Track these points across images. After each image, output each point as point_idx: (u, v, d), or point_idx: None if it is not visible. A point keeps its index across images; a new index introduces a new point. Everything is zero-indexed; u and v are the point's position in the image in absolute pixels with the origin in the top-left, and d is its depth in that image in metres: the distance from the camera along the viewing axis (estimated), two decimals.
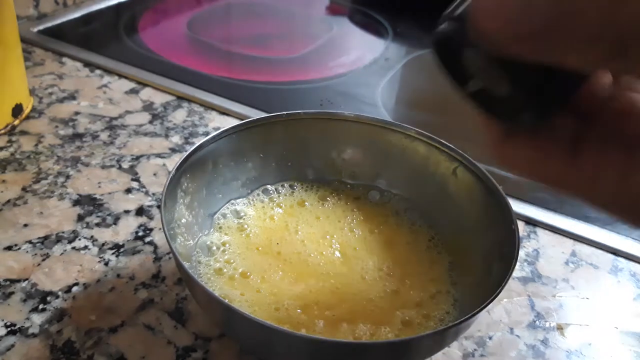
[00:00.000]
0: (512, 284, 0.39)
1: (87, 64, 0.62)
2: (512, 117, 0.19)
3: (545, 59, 0.15)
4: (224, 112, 0.56)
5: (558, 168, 0.19)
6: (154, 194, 0.44)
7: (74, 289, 0.35)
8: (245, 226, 0.37)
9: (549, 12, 0.14)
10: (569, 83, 0.18)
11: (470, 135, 0.20)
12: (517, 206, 0.45)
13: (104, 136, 0.50)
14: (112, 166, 0.46)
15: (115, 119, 0.53)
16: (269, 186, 0.40)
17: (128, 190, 0.44)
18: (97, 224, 0.40)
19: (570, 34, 0.14)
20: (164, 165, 0.47)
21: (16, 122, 0.50)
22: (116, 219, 0.41)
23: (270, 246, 0.36)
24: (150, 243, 0.39)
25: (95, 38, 0.70)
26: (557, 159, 0.19)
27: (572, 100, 0.19)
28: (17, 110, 0.50)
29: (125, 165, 0.46)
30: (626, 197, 0.17)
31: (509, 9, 0.15)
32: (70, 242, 0.38)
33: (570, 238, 0.44)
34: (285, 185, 0.41)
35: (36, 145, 0.48)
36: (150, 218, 0.41)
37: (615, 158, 0.17)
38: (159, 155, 0.48)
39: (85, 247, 0.38)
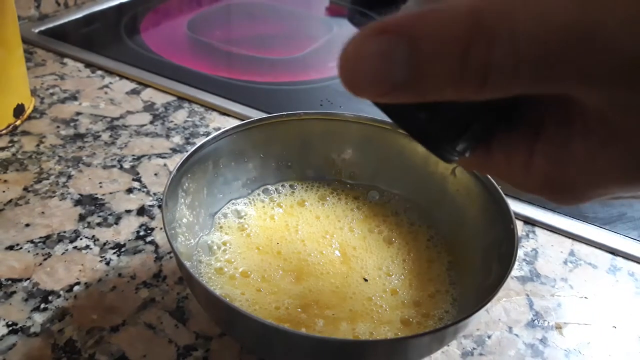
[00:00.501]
0: (510, 283, 0.39)
1: (89, 65, 0.62)
2: (441, 153, 0.19)
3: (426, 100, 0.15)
4: (225, 113, 0.56)
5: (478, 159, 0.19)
6: (155, 194, 0.44)
7: (76, 288, 0.35)
8: (246, 226, 0.37)
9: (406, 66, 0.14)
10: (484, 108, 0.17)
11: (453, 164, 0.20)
12: (515, 206, 0.46)
13: (105, 136, 0.50)
14: (113, 166, 0.46)
15: (117, 119, 0.53)
16: (269, 186, 0.40)
17: (129, 190, 0.44)
18: (99, 224, 0.40)
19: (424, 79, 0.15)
20: (165, 165, 0.47)
21: (18, 122, 0.50)
22: (117, 219, 0.41)
23: (271, 246, 0.36)
24: (152, 243, 0.39)
25: (96, 39, 0.70)
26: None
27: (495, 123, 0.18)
28: (18, 110, 0.50)
29: (126, 166, 0.47)
30: (530, 183, 0.17)
31: (364, 78, 0.15)
32: (71, 241, 0.39)
33: (569, 238, 0.44)
34: (286, 185, 0.41)
35: (38, 145, 0.48)
36: (152, 218, 0.41)
37: (519, 147, 0.18)
38: (160, 156, 0.48)
39: (87, 247, 0.38)
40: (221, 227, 0.37)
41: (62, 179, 0.44)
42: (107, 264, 0.37)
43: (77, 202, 0.42)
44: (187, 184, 0.35)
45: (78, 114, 0.53)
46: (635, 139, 0.14)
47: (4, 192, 0.42)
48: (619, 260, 0.42)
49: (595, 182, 0.16)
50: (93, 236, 0.39)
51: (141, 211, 0.42)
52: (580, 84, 0.14)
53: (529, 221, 0.45)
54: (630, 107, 0.14)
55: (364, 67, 0.15)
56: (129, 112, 0.54)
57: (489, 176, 0.20)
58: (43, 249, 0.38)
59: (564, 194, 0.17)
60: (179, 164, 0.33)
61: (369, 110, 0.59)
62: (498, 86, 0.14)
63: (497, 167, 0.19)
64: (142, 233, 0.40)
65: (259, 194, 0.40)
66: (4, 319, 0.33)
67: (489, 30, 0.13)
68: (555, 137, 0.16)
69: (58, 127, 0.51)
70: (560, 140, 0.16)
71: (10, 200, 0.42)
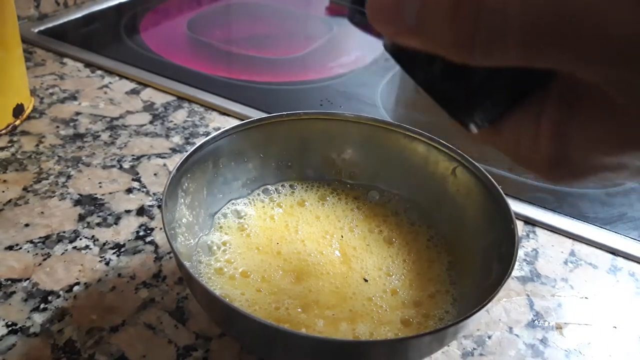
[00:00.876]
0: (511, 284, 0.39)
1: (88, 65, 0.62)
2: (461, 116, 0.20)
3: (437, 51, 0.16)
4: (225, 113, 0.56)
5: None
6: (154, 194, 0.44)
7: (75, 288, 0.35)
8: (246, 226, 0.37)
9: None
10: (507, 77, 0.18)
11: (469, 135, 0.20)
12: (516, 206, 0.46)
13: (104, 136, 0.50)
14: (113, 166, 0.46)
15: (116, 119, 0.53)
16: (269, 186, 0.40)
17: (129, 190, 0.44)
18: (98, 224, 0.40)
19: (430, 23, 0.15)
20: (165, 165, 0.47)
21: (17, 122, 0.50)
22: (117, 219, 0.41)
23: (271, 246, 0.36)
24: (151, 243, 0.39)
25: (96, 38, 0.70)
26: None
27: (522, 93, 0.19)
28: (18, 110, 0.50)
29: (126, 166, 0.47)
30: (536, 158, 0.18)
31: (386, 6, 0.16)
32: (71, 241, 0.39)
33: (570, 238, 0.44)
34: (286, 185, 0.41)
35: (37, 145, 0.48)
36: (151, 218, 0.41)
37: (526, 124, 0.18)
38: (159, 156, 0.48)
39: (87, 247, 0.38)
40: (221, 227, 0.37)
41: (62, 179, 0.44)
42: (107, 264, 0.37)
43: (77, 202, 0.42)
44: (186, 184, 0.34)
45: (77, 113, 0.53)
46: (629, 114, 0.15)
47: (3, 192, 0.42)
48: (620, 261, 0.42)
49: (589, 151, 0.16)
50: (93, 236, 0.39)
51: (141, 211, 0.42)
52: (571, 61, 0.14)
53: (529, 221, 0.45)
54: (627, 85, 0.14)
55: (386, 4, 0.16)
56: (128, 112, 0.54)
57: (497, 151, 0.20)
58: (42, 249, 0.38)
59: (564, 168, 0.17)
60: (179, 164, 0.33)
61: (369, 110, 0.59)
62: (486, 49, 0.15)
63: (507, 142, 0.19)
64: (141, 233, 0.40)
65: (258, 194, 0.40)
66: (4, 319, 0.33)
67: None
68: (558, 112, 0.17)
69: (57, 127, 0.51)
70: (562, 114, 0.17)
71: (10, 200, 0.42)
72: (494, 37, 0.14)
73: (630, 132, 0.15)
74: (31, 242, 0.38)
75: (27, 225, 0.40)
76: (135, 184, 0.45)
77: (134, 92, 0.58)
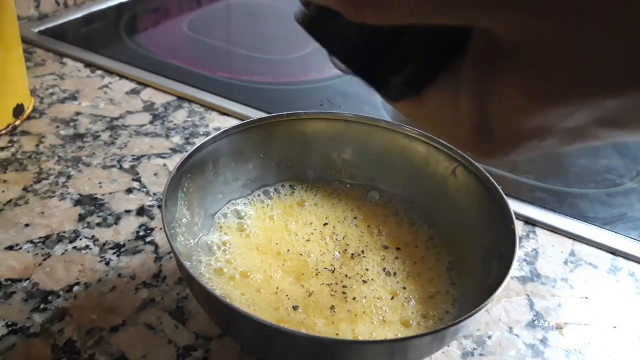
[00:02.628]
0: (511, 284, 0.39)
1: (88, 65, 0.62)
2: (383, 88, 0.19)
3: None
4: (225, 113, 0.56)
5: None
6: (154, 194, 0.44)
7: (75, 288, 0.35)
8: (246, 226, 0.37)
9: None
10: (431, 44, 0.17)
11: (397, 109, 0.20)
12: (516, 206, 0.46)
13: (104, 136, 0.50)
14: (113, 166, 0.46)
15: (116, 119, 0.53)
16: (269, 186, 0.40)
17: (129, 190, 0.44)
18: (98, 224, 0.40)
19: None
20: (165, 165, 0.47)
21: (17, 122, 0.50)
22: (117, 219, 0.41)
23: (270, 246, 0.36)
24: (151, 243, 0.39)
25: (96, 38, 0.70)
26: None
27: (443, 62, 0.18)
28: (18, 110, 0.50)
29: (126, 166, 0.47)
30: (460, 131, 0.17)
31: None
32: (71, 241, 0.39)
33: (569, 238, 0.44)
34: (285, 185, 0.41)
35: (37, 145, 0.48)
36: (151, 218, 0.41)
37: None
38: (159, 156, 0.48)
39: (87, 247, 0.38)
40: (221, 227, 0.37)
41: (62, 179, 0.44)
42: (107, 264, 0.37)
43: (77, 202, 0.42)
44: (186, 184, 0.34)
45: (77, 113, 0.53)
46: (535, 64, 0.14)
47: (3, 192, 0.42)
48: (620, 261, 0.42)
49: (508, 115, 0.16)
50: (93, 236, 0.39)
51: (141, 211, 0.42)
52: (469, 8, 0.14)
53: (529, 221, 0.45)
54: (526, 31, 0.14)
55: None
56: (128, 112, 0.54)
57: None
58: (42, 249, 0.38)
59: (490, 139, 0.17)
60: (179, 164, 0.33)
61: (369, 110, 0.59)
62: (377, 5, 0.15)
63: (430, 115, 0.19)
64: (141, 233, 0.40)
65: (258, 194, 0.40)
66: (4, 319, 0.33)
67: None
68: (474, 77, 0.16)
69: (57, 127, 0.51)
70: (478, 78, 0.16)
71: (10, 200, 0.42)
72: None
73: (540, 85, 0.15)
74: (31, 242, 0.38)
75: (27, 225, 0.40)
76: (135, 184, 0.45)
77: (134, 92, 0.58)
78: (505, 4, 0.13)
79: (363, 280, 0.34)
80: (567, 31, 0.13)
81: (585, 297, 0.39)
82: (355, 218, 0.39)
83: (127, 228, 0.40)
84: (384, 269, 0.35)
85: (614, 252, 0.43)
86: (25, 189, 0.43)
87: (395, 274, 0.35)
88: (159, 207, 0.42)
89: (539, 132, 0.16)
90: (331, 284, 0.34)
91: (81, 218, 0.41)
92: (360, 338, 0.30)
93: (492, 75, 0.16)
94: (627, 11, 0.12)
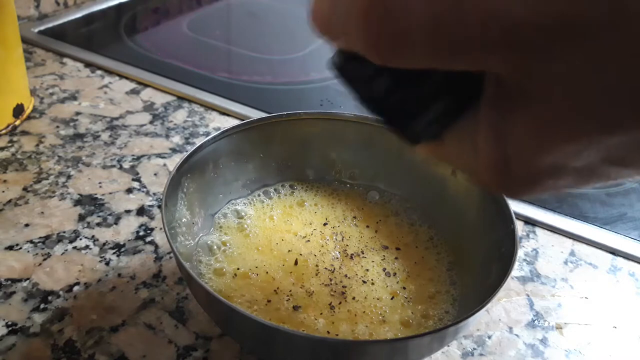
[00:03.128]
0: (511, 284, 0.39)
1: (88, 65, 0.62)
2: (406, 132, 0.19)
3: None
4: (225, 113, 0.56)
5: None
6: (154, 194, 0.44)
7: (75, 288, 0.35)
8: (246, 226, 0.37)
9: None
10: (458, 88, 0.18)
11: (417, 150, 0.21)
12: (516, 206, 0.46)
13: (104, 136, 0.50)
14: (113, 166, 0.46)
15: (116, 119, 0.53)
16: (269, 186, 0.40)
17: (129, 190, 0.44)
18: (98, 224, 0.40)
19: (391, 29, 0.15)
20: (165, 165, 0.47)
21: (17, 122, 0.50)
22: (117, 219, 0.41)
23: (270, 246, 0.36)
24: (151, 243, 0.39)
25: (96, 38, 0.70)
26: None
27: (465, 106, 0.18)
28: (18, 110, 0.50)
29: (126, 166, 0.47)
30: (481, 168, 0.18)
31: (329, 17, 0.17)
32: (71, 241, 0.39)
33: (570, 238, 0.44)
34: (286, 185, 0.41)
35: (37, 145, 0.48)
36: (151, 218, 0.41)
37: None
38: (159, 156, 0.48)
39: (87, 247, 0.38)
40: (221, 227, 0.37)
41: (62, 179, 0.44)
42: (107, 264, 0.37)
43: (77, 202, 0.42)
44: (186, 184, 0.34)
45: (77, 113, 0.53)
46: (545, 103, 0.15)
47: (3, 192, 0.42)
48: (620, 261, 0.42)
49: (522, 154, 0.16)
50: (93, 236, 0.39)
51: (141, 211, 0.42)
52: (475, 53, 0.14)
53: (529, 221, 0.45)
54: (532, 72, 0.14)
55: (321, 9, 0.18)
56: (128, 112, 0.54)
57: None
58: (43, 249, 0.38)
59: (509, 175, 0.17)
60: (179, 164, 0.33)
61: None
62: (394, 50, 0.15)
63: (451, 154, 0.19)
64: (141, 233, 0.40)
65: (258, 195, 0.40)
66: (4, 319, 0.33)
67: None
68: (493, 114, 0.17)
69: (57, 127, 0.51)
70: (497, 116, 0.16)
71: (10, 200, 0.42)
72: (399, 40, 0.15)
73: (546, 123, 0.15)
74: (31, 242, 0.38)
75: (27, 225, 0.40)
76: (135, 184, 0.45)
77: (134, 92, 0.58)
78: (512, 45, 0.14)
79: (363, 281, 0.34)
80: (574, 73, 0.14)
81: (585, 297, 0.39)
82: (355, 218, 0.39)
83: (127, 228, 0.40)
84: (383, 269, 0.35)
85: (614, 252, 0.43)
86: (25, 189, 0.43)
87: (395, 274, 0.35)
88: (159, 207, 0.42)
89: (553, 171, 0.16)
90: (331, 284, 0.34)
91: (81, 218, 0.41)
92: (360, 338, 0.30)
93: (507, 115, 0.16)
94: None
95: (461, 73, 0.16)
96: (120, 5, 0.79)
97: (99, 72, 0.61)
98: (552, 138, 0.15)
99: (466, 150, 0.18)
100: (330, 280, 0.34)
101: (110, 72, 0.61)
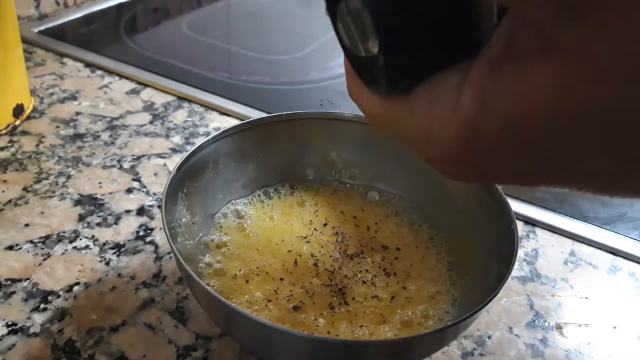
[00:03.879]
0: (511, 284, 0.39)
1: (88, 65, 0.62)
2: (376, 80, 0.18)
3: None
4: (225, 113, 0.56)
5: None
6: (154, 194, 0.44)
7: (75, 288, 0.35)
8: (246, 226, 0.37)
9: None
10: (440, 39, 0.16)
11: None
12: (516, 206, 0.46)
13: (104, 136, 0.50)
14: (113, 166, 0.46)
15: (116, 119, 0.53)
16: (269, 186, 0.40)
17: (129, 190, 0.44)
18: (98, 224, 0.40)
19: None
20: (165, 165, 0.47)
21: (17, 122, 0.50)
22: (117, 219, 0.41)
23: (270, 246, 0.36)
24: (151, 243, 0.39)
25: (96, 38, 0.70)
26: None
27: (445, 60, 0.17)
28: (18, 110, 0.50)
29: (126, 166, 0.47)
30: (449, 131, 0.17)
31: None
32: (71, 241, 0.39)
33: (570, 238, 0.44)
34: (285, 185, 0.41)
35: (37, 145, 0.48)
36: (151, 218, 0.41)
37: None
38: (159, 156, 0.48)
39: (87, 247, 0.38)
40: (221, 227, 0.37)
41: (62, 179, 0.44)
42: (107, 264, 0.37)
43: (77, 202, 0.42)
44: (186, 184, 0.34)
45: (77, 113, 0.53)
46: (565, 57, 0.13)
47: (3, 192, 0.42)
48: (620, 261, 0.42)
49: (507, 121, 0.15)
50: (93, 236, 0.39)
51: (141, 211, 0.42)
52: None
53: (529, 221, 0.45)
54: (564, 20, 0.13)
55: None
56: (128, 112, 0.54)
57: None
58: (43, 249, 0.38)
59: (477, 149, 0.16)
60: (179, 164, 0.33)
61: None
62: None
63: (405, 115, 0.18)
64: (141, 233, 0.40)
65: (259, 195, 0.40)
66: (4, 319, 0.33)
67: None
68: (484, 77, 0.15)
69: (57, 127, 0.51)
70: (488, 80, 0.15)
71: (10, 200, 0.42)
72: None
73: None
74: (31, 242, 0.38)
75: (27, 225, 0.40)
76: (135, 184, 0.45)
77: (134, 92, 0.58)
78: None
79: (363, 281, 0.34)
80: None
81: (585, 297, 0.39)
82: (355, 218, 0.39)
83: (127, 228, 0.40)
84: (384, 269, 0.35)
85: (614, 252, 0.43)
86: (25, 189, 0.43)
87: (395, 274, 0.35)
88: (159, 207, 0.42)
89: (519, 155, 0.16)
90: (331, 284, 0.34)
91: (81, 218, 0.41)
92: (360, 338, 0.30)
93: (501, 80, 0.15)
94: None
95: (463, 19, 0.15)
96: (120, 5, 0.79)
97: (99, 72, 0.61)
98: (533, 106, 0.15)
99: (427, 113, 0.17)
100: (330, 280, 0.34)
101: (110, 72, 0.61)
